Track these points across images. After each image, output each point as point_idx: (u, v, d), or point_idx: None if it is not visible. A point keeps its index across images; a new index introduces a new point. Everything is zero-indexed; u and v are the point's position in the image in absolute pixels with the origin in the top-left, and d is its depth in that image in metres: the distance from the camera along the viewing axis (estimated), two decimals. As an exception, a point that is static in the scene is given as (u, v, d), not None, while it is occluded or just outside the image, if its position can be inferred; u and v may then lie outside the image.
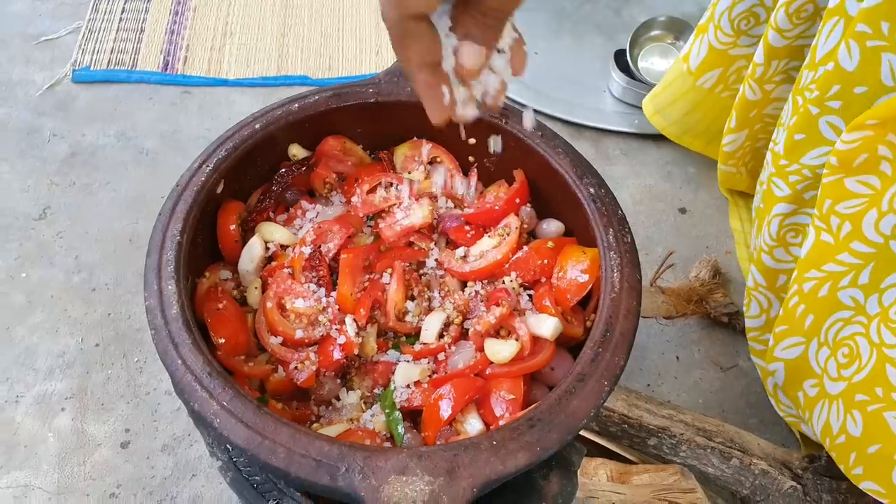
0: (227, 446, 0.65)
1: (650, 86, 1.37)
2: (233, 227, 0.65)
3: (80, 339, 1.06)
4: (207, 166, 0.62)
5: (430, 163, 0.74)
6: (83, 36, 1.43)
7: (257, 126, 0.65)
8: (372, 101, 0.69)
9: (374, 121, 0.71)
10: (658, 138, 1.36)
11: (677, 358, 1.07)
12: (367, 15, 1.53)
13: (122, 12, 1.46)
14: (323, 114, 0.68)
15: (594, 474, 0.76)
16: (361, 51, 1.46)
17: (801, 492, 0.80)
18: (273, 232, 0.66)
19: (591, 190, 0.64)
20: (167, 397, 1.02)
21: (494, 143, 0.66)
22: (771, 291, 0.88)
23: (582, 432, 0.84)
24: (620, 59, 1.40)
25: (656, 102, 1.20)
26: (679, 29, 1.39)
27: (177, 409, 1.01)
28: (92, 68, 1.37)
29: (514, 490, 0.59)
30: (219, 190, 0.64)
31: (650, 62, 1.41)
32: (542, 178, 0.68)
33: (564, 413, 0.51)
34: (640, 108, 1.39)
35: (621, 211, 0.63)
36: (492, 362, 0.61)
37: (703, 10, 1.64)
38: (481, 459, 0.49)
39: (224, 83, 1.37)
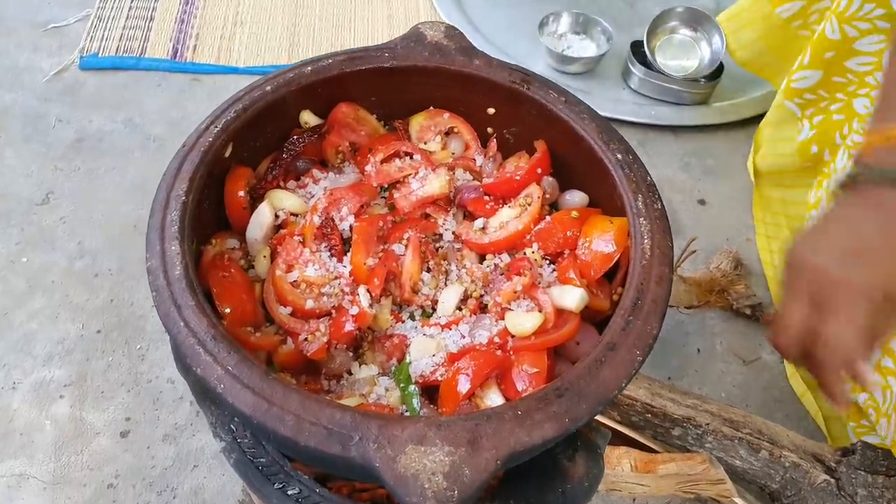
0: (232, 426, 0.61)
1: (668, 77, 1.34)
2: (241, 193, 0.62)
3: (81, 325, 1.03)
4: (215, 127, 0.59)
5: (447, 133, 0.71)
6: (92, 24, 1.41)
7: (268, 88, 0.62)
8: (387, 65, 0.66)
9: (389, 88, 0.68)
10: (676, 129, 1.33)
11: (698, 350, 1.03)
12: (377, 5, 1.51)
13: (132, 0, 1.45)
14: (336, 78, 0.65)
15: (617, 464, 0.72)
16: (372, 40, 1.44)
17: (834, 486, 0.76)
18: (283, 199, 0.63)
19: (619, 156, 0.60)
20: (169, 386, 0.99)
21: None
22: None
23: (605, 420, 0.80)
24: (637, 50, 1.37)
25: (731, 24, 1.12)
26: (696, 20, 1.36)
27: (179, 398, 0.98)
28: (100, 55, 1.35)
29: (538, 471, 0.56)
30: (227, 153, 0.60)
31: (668, 55, 1.38)
32: (565, 146, 0.65)
33: (595, 383, 0.48)
34: (657, 99, 1.36)
35: (650, 177, 0.60)
36: (513, 335, 0.57)
37: (718, 0, 1.60)
38: (505, 430, 0.45)
39: (234, 71, 1.35)
